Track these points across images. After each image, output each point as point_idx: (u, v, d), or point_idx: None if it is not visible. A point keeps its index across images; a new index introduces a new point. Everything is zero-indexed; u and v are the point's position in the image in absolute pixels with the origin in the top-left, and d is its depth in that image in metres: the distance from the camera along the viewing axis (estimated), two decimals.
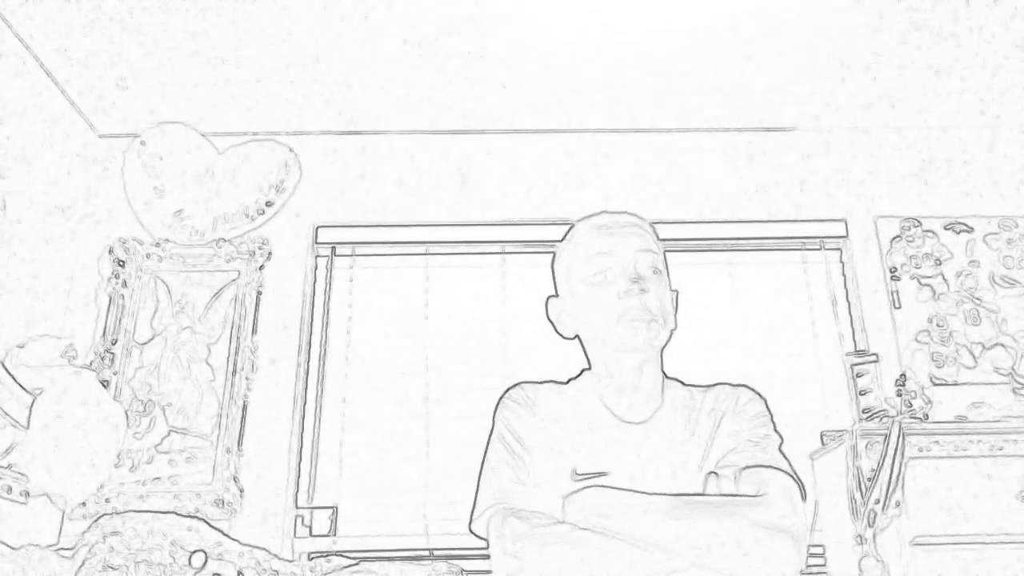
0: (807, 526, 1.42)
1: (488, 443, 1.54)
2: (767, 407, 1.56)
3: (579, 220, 1.66)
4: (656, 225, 2.60)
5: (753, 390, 1.58)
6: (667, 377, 1.60)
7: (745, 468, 1.45)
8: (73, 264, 2.51)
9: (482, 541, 1.50)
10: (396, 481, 2.37)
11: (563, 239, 1.68)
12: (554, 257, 1.69)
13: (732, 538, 1.33)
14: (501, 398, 1.58)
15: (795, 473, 1.46)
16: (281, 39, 2.33)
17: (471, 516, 1.50)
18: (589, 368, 1.61)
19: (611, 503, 1.39)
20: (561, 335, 1.64)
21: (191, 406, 2.37)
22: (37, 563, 1.54)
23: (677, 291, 1.65)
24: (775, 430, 1.53)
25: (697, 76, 2.50)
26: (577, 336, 1.62)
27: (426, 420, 2.44)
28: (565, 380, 1.62)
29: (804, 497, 1.44)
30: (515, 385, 1.60)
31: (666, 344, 1.59)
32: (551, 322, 1.65)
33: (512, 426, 1.53)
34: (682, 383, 1.61)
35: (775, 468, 1.44)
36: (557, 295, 1.66)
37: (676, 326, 1.61)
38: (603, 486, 1.43)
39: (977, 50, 2.41)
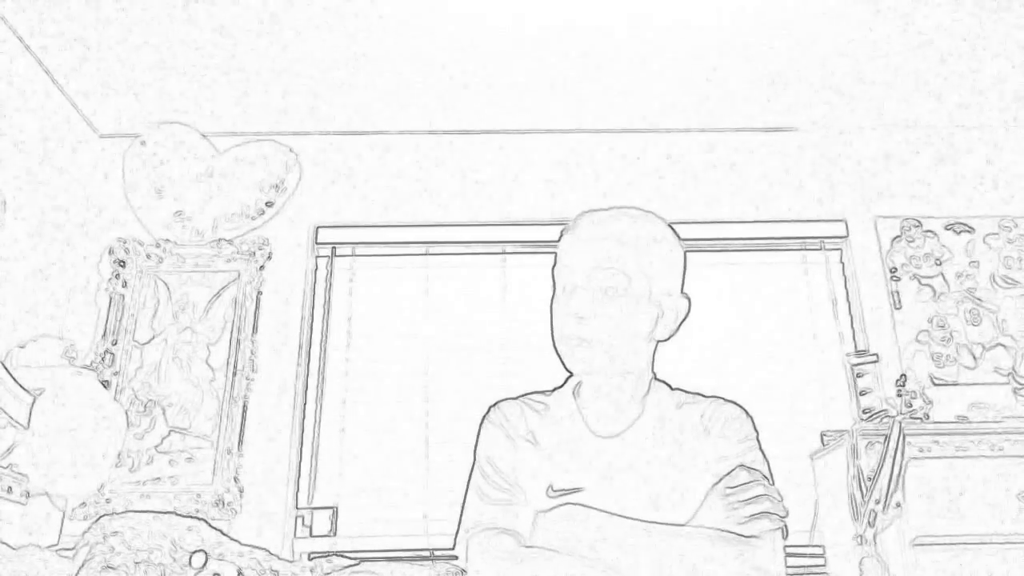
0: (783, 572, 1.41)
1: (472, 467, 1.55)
2: (754, 426, 1.53)
3: (580, 213, 1.63)
4: None
5: (742, 408, 1.54)
6: (656, 379, 1.58)
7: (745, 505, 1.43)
8: (73, 264, 2.51)
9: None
10: (396, 481, 2.37)
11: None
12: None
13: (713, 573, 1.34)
14: (482, 420, 1.58)
15: (783, 511, 1.43)
16: (281, 39, 2.34)
17: (455, 536, 1.50)
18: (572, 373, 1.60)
19: (584, 527, 1.38)
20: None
21: (191, 406, 2.37)
22: (37, 563, 1.54)
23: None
24: (761, 453, 1.51)
25: (697, 76, 2.51)
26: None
27: (426, 420, 2.44)
28: (550, 389, 1.61)
29: (785, 536, 1.43)
30: (494, 405, 1.59)
31: (656, 350, 1.57)
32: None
33: (488, 449, 1.53)
34: (670, 387, 1.58)
35: (770, 514, 1.42)
36: None
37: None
38: (576, 504, 1.42)
39: (978, 50, 2.41)
